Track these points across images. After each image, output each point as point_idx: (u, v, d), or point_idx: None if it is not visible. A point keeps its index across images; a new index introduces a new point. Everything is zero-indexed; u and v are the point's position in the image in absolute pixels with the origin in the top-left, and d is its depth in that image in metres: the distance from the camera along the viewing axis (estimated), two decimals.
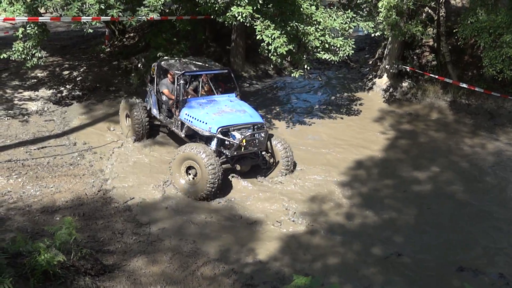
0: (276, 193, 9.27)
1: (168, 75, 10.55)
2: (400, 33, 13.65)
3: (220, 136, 9.09)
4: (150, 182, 9.45)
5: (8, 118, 12.15)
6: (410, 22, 13.85)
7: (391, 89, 15.29)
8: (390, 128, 13.15)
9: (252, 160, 9.69)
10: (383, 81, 15.54)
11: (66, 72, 15.59)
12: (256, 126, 9.55)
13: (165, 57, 11.82)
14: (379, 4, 13.29)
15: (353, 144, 11.90)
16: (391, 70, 15.30)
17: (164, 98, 10.60)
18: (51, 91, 14.22)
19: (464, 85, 13.85)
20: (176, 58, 11.49)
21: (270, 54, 11.23)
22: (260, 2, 10.96)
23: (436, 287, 7.03)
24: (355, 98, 15.19)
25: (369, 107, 14.53)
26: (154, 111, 10.99)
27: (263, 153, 9.91)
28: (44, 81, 14.84)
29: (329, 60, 12.06)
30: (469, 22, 12.41)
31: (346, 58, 13.23)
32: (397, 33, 13.69)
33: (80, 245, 6.36)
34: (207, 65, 10.98)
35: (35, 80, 14.87)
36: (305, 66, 12.30)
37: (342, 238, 8.11)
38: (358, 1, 14.85)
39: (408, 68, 15.16)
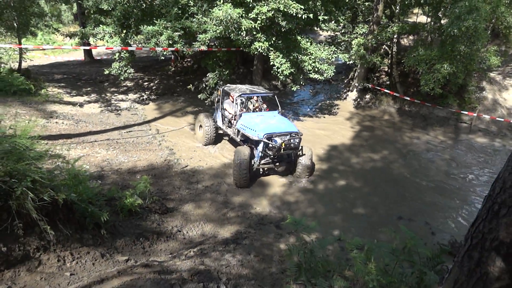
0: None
1: (230, 97, 9.79)
2: (365, 62, 13.49)
3: (265, 140, 8.12)
4: (200, 157, 9.50)
5: (108, 111, 12.29)
6: (372, 54, 13.66)
7: (358, 99, 15.12)
8: (356, 124, 13.01)
9: (287, 163, 8.79)
10: (353, 94, 15.37)
11: (145, 83, 15.71)
12: (292, 134, 8.32)
13: (228, 84, 10.98)
14: (353, 42, 13.17)
15: (330, 134, 11.81)
16: (358, 87, 15.11)
17: (226, 113, 9.81)
18: (136, 95, 14.34)
19: (407, 98, 13.66)
20: (236, 85, 10.39)
21: (279, 74, 11.21)
22: (274, 39, 10.92)
23: (380, 228, 7.01)
24: (334, 105, 15.05)
25: (343, 110, 14.39)
26: (219, 123, 10.15)
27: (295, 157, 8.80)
28: (131, 89, 14.97)
29: (317, 79, 12.00)
30: (412, 55, 12.23)
31: (330, 78, 13.10)
32: (364, 62, 13.53)
33: (152, 194, 6.50)
34: (258, 89, 9.97)
35: (126, 88, 15.01)
36: (301, 82, 12.28)
37: (316, 196, 8.10)
38: (338, 40, 14.73)
39: (370, 86, 14.96)
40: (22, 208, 3.40)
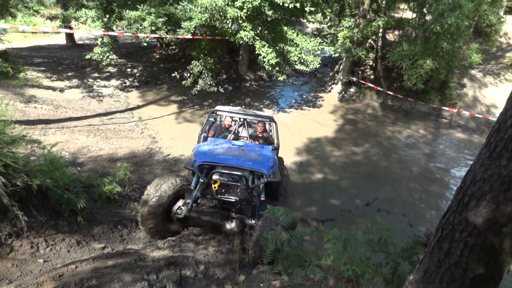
0: None
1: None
2: (351, 55, 13.54)
3: (197, 172, 4.94)
4: (180, 147, 9.31)
5: (89, 97, 12.02)
6: (358, 48, 13.72)
7: (343, 92, 15.20)
8: (340, 117, 13.09)
9: (240, 222, 5.05)
10: (338, 87, 15.44)
11: (129, 70, 15.40)
12: (256, 173, 5.05)
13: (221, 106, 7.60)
14: (339, 35, 13.19)
15: (313, 126, 11.85)
16: (343, 80, 15.19)
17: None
18: (118, 81, 14.06)
19: (390, 92, 13.80)
20: (231, 107, 7.62)
21: (264, 64, 11.15)
22: (260, 29, 10.83)
23: (357, 219, 7.09)
24: (319, 97, 15.09)
25: (328, 103, 14.43)
26: None
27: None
28: (114, 75, 14.67)
29: (303, 70, 12.00)
30: (397, 50, 12.34)
31: (315, 69, 13.12)
32: (349, 55, 13.58)
33: (132, 181, 6.38)
34: (250, 112, 6.86)
35: (108, 74, 14.69)
36: (287, 72, 12.26)
37: (294, 188, 8.06)
38: (325, 33, 14.73)
39: (354, 79, 15.05)
40: None
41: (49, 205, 4.06)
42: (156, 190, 4.84)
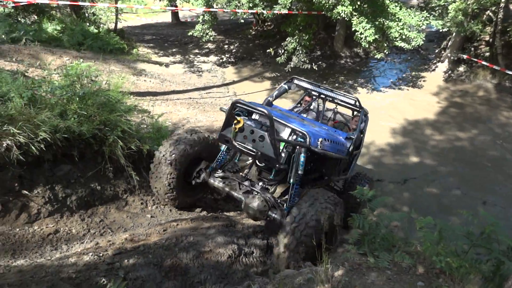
0: None
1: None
2: (463, 29, 12.13)
3: (226, 111, 4.00)
4: None
5: (190, 72, 12.88)
6: (472, 21, 12.18)
7: (449, 72, 13.74)
8: (444, 99, 11.95)
9: (265, 202, 3.74)
10: (444, 65, 13.99)
11: (226, 46, 16.01)
12: (296, 132, 3.80)
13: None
14: (450, 7, 11.92)
15: (412, 108, 11.03)
16: (451, 57, 13.70)
17: None
18: (216, 57, 14.76)
19: (510, 72, 12.07)
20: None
21: (361, 40, 10.65)
22: (358, 3, 10.30)
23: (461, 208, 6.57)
24: (420, 77, 13.87)
25: (430, 83, 13.20)
26: None
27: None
28: (212, 51, 15.42)
29: (404, 47, 11.15)
30: None
31: (418, 46, 12.08)
32: (460, 30, 12.18)
33: None
34: (334, 92, 5.65)
35: (207, 50, 15.49)
36: (385, 51, 11.53)
37: (384, 169, 7.74)
38: (433, 5, 13.40)
39: (465, 57, 13.47)
40: (113, 154, 3.84)
41: None
42: (172, 149, 3.88)
